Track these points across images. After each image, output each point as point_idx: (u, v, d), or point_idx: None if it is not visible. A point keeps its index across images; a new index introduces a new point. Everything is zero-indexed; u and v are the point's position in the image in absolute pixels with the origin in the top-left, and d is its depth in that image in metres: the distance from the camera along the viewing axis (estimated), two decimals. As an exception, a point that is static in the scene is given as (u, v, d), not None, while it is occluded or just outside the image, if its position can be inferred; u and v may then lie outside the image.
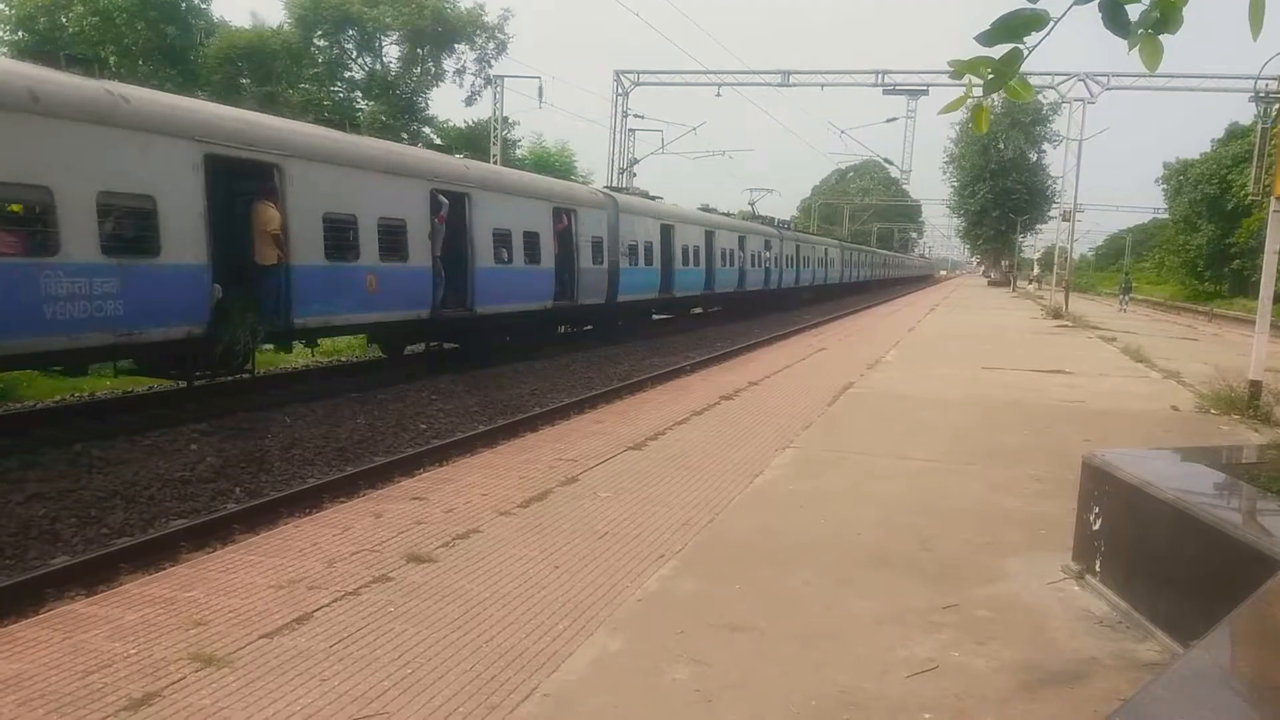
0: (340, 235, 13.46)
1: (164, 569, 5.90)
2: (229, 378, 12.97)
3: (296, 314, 12.65)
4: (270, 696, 3.77)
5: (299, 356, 17.97)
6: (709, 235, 30.32)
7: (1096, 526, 5.29)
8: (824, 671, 4.10)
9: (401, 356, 17.67)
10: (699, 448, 8.92)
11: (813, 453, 8.81)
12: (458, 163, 18.23)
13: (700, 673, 4.06)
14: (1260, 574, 3.44)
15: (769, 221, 42.48)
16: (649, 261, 25.24)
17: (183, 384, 12.76)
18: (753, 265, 35.65)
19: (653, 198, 28.22)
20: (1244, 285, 49.86)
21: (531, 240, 18.77)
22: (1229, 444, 9.50)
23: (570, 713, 3.72)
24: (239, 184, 12.57)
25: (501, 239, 17.65)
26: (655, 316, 28.44)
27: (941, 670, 4.13)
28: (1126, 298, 49.80)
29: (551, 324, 21.21)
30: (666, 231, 26.55)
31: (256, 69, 39.09)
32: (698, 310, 32.64)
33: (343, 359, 18.09)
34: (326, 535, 6.01)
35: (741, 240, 34.15)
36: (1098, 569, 5.23)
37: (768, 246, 38.19)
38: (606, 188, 25.88)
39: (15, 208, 9.43)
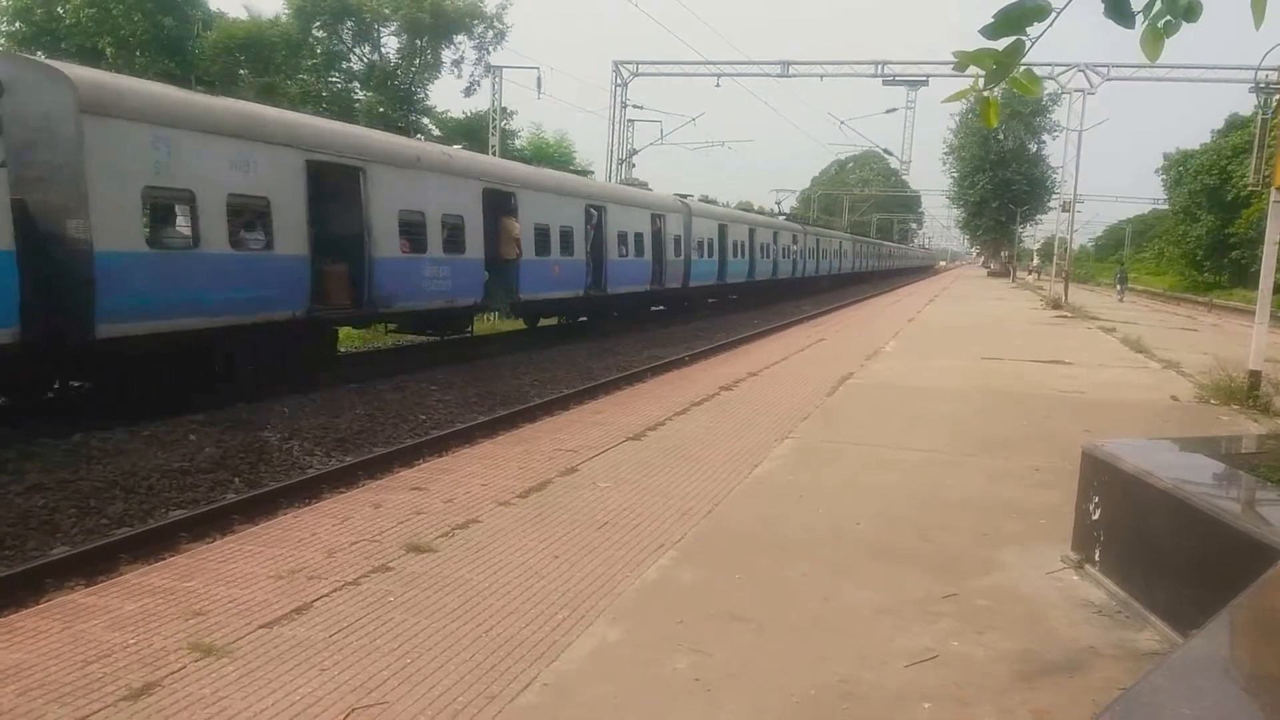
0: (543, 238, 19.69)
1: (163, 559, 5.89)
2: (462, 335, 18.61)
3: (523, 291, 18.99)
4: (270, 686, 3.77)
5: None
6: (751, 232, 35.42)
7: (1096, 516, 5.30)
8: (823, 661, 4.10)
9: (537, 328, 23.15)
10: (698, 438, 8.92)
11: (812, 444, 8.81)
12: (599, 184, 25.69)
13: (700, 662, 4.06)
14: (1259, 564, 3.44)
15: (793, 218, 49.18)
16: (710, 254, 30.82)
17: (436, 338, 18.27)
18: (784, 257, 40.66)
19: (710, 200, 33.97)
20: (1244, 276, 49.90)
21: (639, 239, 25.07)
22: (1228, 434, 9.50)
23: (570, 702, 3.72)
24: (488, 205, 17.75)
25: (622, 239, 23.92)
26: (710, 300, 33.21)
27: (941, 660, 4.14)
28: (1123, 288, 50.06)
29: (647, 302, 27.04)
30: (722, 230, 31.84)
31: (255, 60, 38.96)
32: (721, 297, 35.33)
33: (342, 350, 18.06)
34: (326, 525, 6.01)
35: (775, 235, 39.33)
36: (1097, 559, 5.23)
37: (795, 241, 43.35)
38: (680, 195, 30.37)
39: (409, 224, 15.19)
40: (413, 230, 15.21)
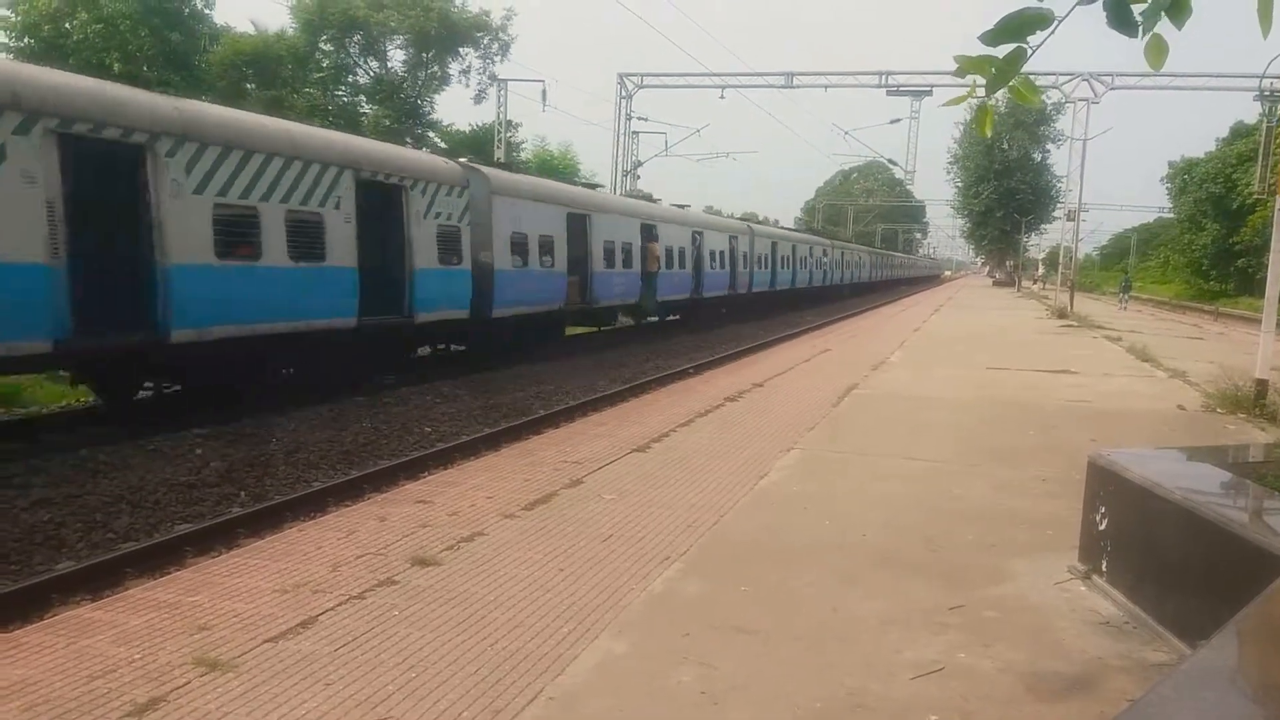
0: (670, 257, 27.14)
1: (169, 573, 5.90)
2: (609, 325, 26.36)
3: (660, 295, 26.21)
4: (275, 701, 3.77)
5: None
6: (794, 247, 43.08)
7: (1103, 527, 5.27)
8: (830, 673, 4.09)
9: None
10: (703, 449, 8.91)
11: (817, 454, 8.79)
12: (699, 215, 33.28)
13: (706, 675, 4.04)
14: (1268, 573, 3.42)
15: (818, 232, 57.76)
16: (766, 267, 38.12)
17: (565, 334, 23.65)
18: (817, 268, 48.33)
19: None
20: (1250, 284, 49.77)
21: (720, 255, 32.48)
22: (1235, 443, 9.47)
23: (575, 715, 3.71)
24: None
25: (712, 256, 31.40)
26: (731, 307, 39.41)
27: (948, 672, 4.12)
28: (1126, 296, 50.84)
29: (724, 304, 33.63)
30: (774, 246, 39.33)
31: (261, 74, 39.13)
32: (772, 302, 41.39)
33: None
34: (331, 539, 6.01)
35: (810, 250, 46.90)
36: (1104, 569, 5.21)
37: (825, 254, 50.94)
38: (744, 218, 39.60)
39: (608, 249, 23.07)
40: (609, 254, 23.02)
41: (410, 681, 3.96)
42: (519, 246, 18.74)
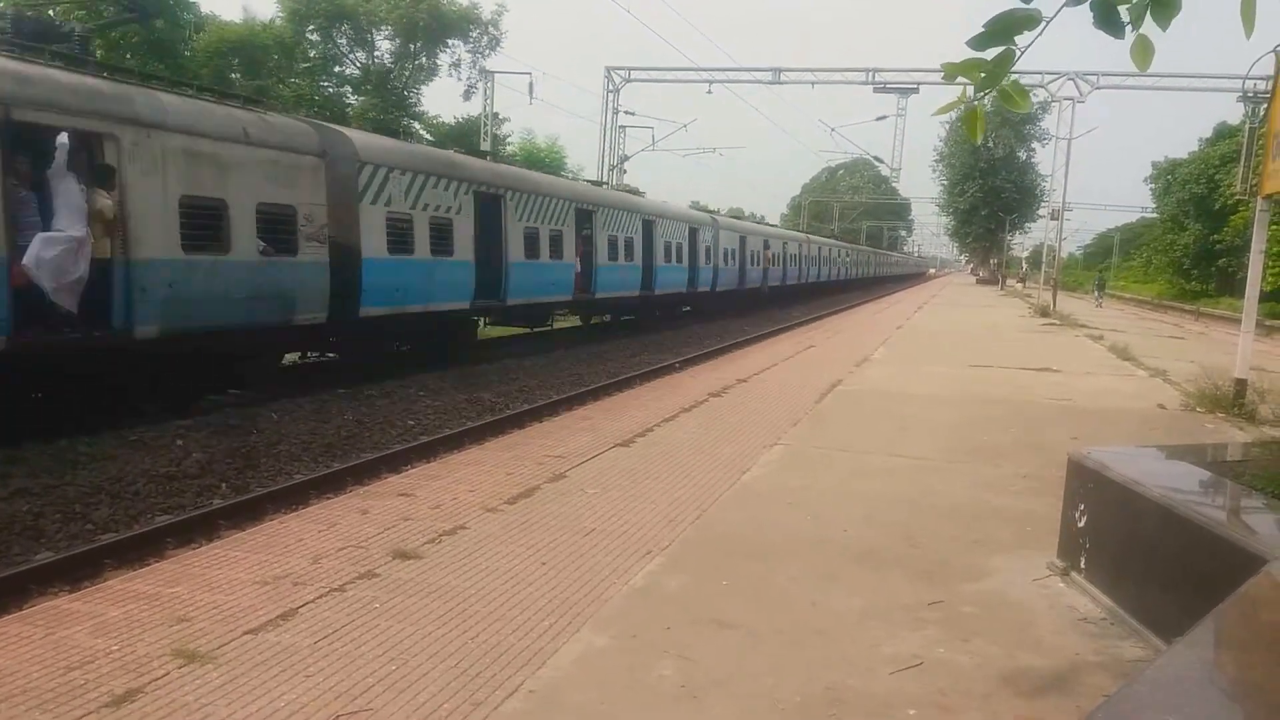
0: (773, 260, 42.02)
1: (149, 565, 5.87)
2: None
3: (768, 284, 41.24)
4: (254, 693, 3.76)
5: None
6: (831, 249, 58.25)
7: (1082, 524, 5.31)
8: (810, 668, 4.11)
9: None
10: (687, 444, 8.92)
11: (801, 450, 8.82)
12: (788, 232, 52.17)
13: (686, 669, 4.06)
14: (1243, 571, 3.45)
15: (837, 237, 71.61)
16: (814, 264, 51.45)
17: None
18: (841, 265, 61.23)
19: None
20: (1230, 284, 50.09)
21: (794, 256, 46.21)
22: (1214, 442, 9.56)
23: (555, 709, 3.71)
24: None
25: (790, 257, 45.02)
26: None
27: (926, 667, 4.14)
28: (1101, 294, 53.32)
29: (797, 288, 48.04)
30: (819, 249, 53.45)
31: (247, 63, 38.85)
32: (817, 289, 54.83)
33: (330, 356, 17.95)
34: (312, 531, 5.99)
35: (840, 251, 61.59)
36: (1083, 566, 5.25)
37: (845, 255, 63.73)
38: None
39: (749, 254, 38.94)
40: (752, 257, 36.99)
41: (391, 674, 3.95)
42: (724, 255, 33.43)
